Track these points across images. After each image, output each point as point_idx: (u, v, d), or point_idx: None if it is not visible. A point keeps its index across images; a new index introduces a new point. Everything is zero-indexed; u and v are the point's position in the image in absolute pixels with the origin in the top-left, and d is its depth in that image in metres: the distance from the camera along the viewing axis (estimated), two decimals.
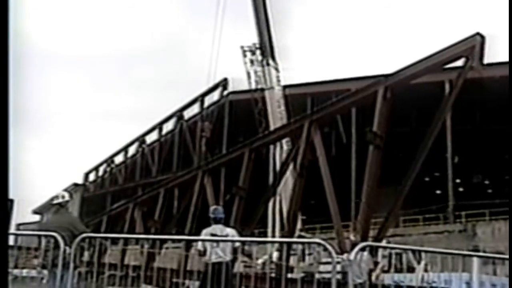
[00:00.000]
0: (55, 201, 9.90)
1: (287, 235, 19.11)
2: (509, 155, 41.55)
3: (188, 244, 21.75)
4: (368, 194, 16.64)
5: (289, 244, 18.38)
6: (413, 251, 17.13)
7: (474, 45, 14.93)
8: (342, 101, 20.10)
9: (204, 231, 10.31)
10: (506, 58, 26.68)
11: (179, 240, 24.04)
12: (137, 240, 20.94)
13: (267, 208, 26.59)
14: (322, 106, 20.67)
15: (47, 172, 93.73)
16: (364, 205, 16.69)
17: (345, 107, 20.80)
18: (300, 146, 19.10)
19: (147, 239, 21.85)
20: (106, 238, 10.38)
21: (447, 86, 32.37)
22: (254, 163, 21.99)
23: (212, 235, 10.05)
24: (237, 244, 10.22)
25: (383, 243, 16.20)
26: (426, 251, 13.53)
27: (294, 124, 21.13)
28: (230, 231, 10.30)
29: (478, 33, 15.04)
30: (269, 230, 28.66)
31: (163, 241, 22.54)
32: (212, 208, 10.79)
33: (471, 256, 12.12)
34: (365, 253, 10.40)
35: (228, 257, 9.86)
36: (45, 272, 11.82)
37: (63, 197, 9.98)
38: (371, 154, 16.63)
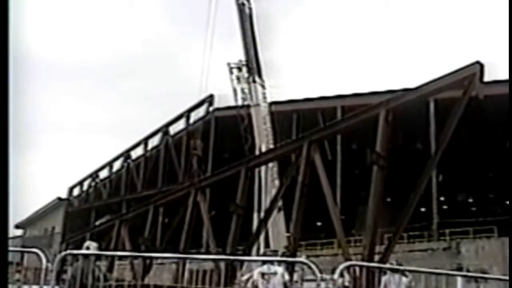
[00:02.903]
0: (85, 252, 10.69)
1: (288, 253, 19.36)
2: (493, 173, 41.91)
3: (179, 263, 21.86)
4: (373, 213, 17.06)
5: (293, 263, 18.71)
6: (397, 270, 17.17)
7: (475, 72, 15.42)
8: (343, 122, 20.64)
9: (256, 270, 11.38)
10: (493, 78, 26.98)
11: (167, 258, 24.05)
12: (120, 257, 20.81)
13: (251, 226, 26.59)
14: (323, 127, 21.23)
15: (30, 186, 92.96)
16: (370, 223, 17.13)
17: (346, 128, 21.23)
18: (300, 166, 19.42)
19: (135, 257, 21.87)
20: (88, 255, 10.28)
21: (431, 105, 32.71)
22: (251, 181, 22.46)
23: (262, 273, 11.03)
24: (286, 278, 10.70)
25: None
26: (410, 270, 13.60)
27: (293, 144, 21.47)
28: (277, 268, 10.81)
29: (477, 62, 15.56)
30: (254, 247, 28.55)
31: (152, 258, 22.52)
32: (262, 251, 11.94)
33: (454, 275, 12.17)
34: None
35: None
36: (26, 287, 11.70)
37: (87, 248, 10.90)
38: (375, 174, 17.14)
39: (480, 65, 15.46)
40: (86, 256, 10.47)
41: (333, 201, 19.53)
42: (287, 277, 10.75)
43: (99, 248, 11.87)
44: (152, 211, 27.39)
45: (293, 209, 19.80)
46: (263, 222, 23.46)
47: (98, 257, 10.52)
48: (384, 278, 13.38)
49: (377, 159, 17.03)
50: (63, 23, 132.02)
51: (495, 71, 20.52)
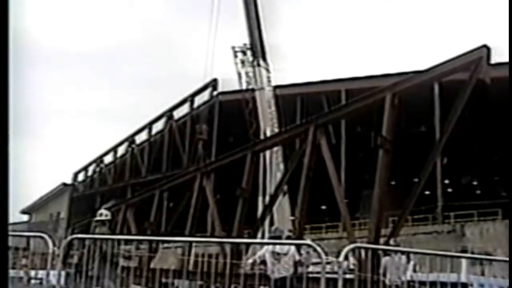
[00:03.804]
0: (98, 218, 10.88)
1: (294, 237, 19.44)
2: (498, 156, 41.80)
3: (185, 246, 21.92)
4: (379, 196, 17.12)
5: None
6: (402, 252, 17.25)
7: (481, 56, 15.33)
8: (350, 106, 20.59)
9: (266, 247, 11.06)
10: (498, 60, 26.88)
11: (174, 241, 24.07)
12: (126, 241, 20.81)
13: (256, 210, 26.65)
14: (329, 111, 21.12)
15: (35, 172, 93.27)
16: (375, 207, 17.21)
17: (351, 112, 21.23)
18: (306, 150, 19.41)
19: (140, 240, 21.99)
20: (95, 239, 10.33)
21: (436, 88, 32.59)
22: (256, 165, 22.47)
23: (273, 252, 10.64)
24: (297, 257, 10.60)
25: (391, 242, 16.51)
26: (415, 252, 13.63)
27: (299, 128, 21.44)
28: (289, 248, 10.68)
29: (484, 45, 15.46)
30: (259, 231, 28.68)
31: (158, 242, 22.68)
32: (273, 227, 11.77)
33: (459, 257, 12.22)
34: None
35: (291, 271, 10.24)
36: (33, 272, 11.79)
37: (106, 215, 11.05)
38: (381, 158, 17.17)
39: (487, 49, 15.38)
40: (104, 222, 10.61)
41: (339, 185, 19.56)
42: (297, 257, 10.67)
43: (110, 222, 11.95)
44: (158, 195, 27.47)
45: (298, 193, 19.83)
46: (268, 207, 23.52)
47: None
48: (383, 260, 13.42)
49: (383, 143, 17.05)
50: (64, 11, 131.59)
51: (502, 54, 20.41)
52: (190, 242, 21.50)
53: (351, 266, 12.28)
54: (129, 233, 26.12)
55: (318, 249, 7.95)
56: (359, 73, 43.73)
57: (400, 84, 17.70)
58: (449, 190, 44.57)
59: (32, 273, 12.04)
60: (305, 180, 19.44)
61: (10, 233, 9.57)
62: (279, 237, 11.59)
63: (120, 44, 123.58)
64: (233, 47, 32.98)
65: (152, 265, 21.04)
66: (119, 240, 11.62)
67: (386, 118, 17.29)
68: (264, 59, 31.98)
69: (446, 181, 40.60)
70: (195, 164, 37.03)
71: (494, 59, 15.86)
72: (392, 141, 17.16)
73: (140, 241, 21.52)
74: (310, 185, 19.45)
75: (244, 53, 32.55)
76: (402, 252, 14.15)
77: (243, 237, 21.95)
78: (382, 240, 17.10)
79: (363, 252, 12.35)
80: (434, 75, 17.41)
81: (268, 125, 30.56)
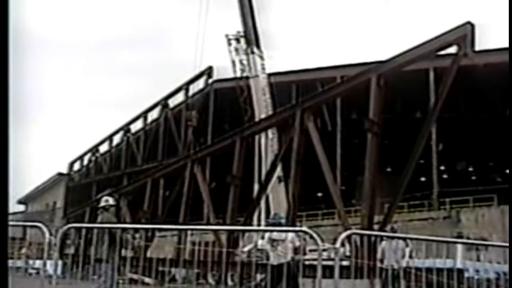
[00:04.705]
0: (101, 204, 10.81)
1: (289, 223, 19.33)
2: (492, 142, 41.91)
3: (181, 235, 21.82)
4: (370, 181, 16.92)
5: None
6: (398, 238, 17.30)
7: (466, 34, 14.99)
8: (335, 89, 20.22)
9: (266, 235, 11.06)
10: (491, 46, 26.88)
11: (168, 230, 24.02)
12: (123, 230, 20.80)
13: (252, 196, 26.65)
14: (315, 94, 20.75)
15: (31, 162, 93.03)
16: (367, 192, 16.99)
17: (337, 95, 20.86)
18: (294, 134, 19.15)
19: (136, 229, 21.97)
20: (91, 228, 10.32)
21: (431, 74, 32.56)
22: (246, 151, 22.22)
23: (271, 239, 10.70)
24: (298, 244, 10.62)
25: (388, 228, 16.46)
26: (411, 238, 13.68)
27: (286, 112, 21.13)
28: (288, 234, 10.70)
29: (468, 22, 15.11)
30: (255, 218, 28.73)
31: (154, 231, 22.62)
32: (272, 213, 11.60)
33: (455, 242, 12.27)
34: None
35: (289, 257, 10.23)
36: (31, 262, 11.80)
37: (107, 201, 10.92)
38: (370, 142, 16.90)
39: (471, 26, 15.03)
40: (106, 208, 10.62)
41: (330, 170, 19.02)
42: (297, 243, 10.66)
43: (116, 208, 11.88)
44: (151, 184, 27.35)
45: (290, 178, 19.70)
46: (262, 189, 23.30)
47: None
48: (381, 245, 13.45)
49: (371, 126, 16.73)
50: (63, 2, 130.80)
51: (489, 34, 20.16)
52: (186, 231, 21.47)
53: (347, 253, 12.33)
54: (124, 222, 26.09)
55: (315, 235, 7.96)
56: (355, 60, 43.69)
57: (385, 65, 17.39)
58: (445, 176, 44.69)
59: (30, 262, 12.06)
60: (295, 165, 19.25)
61: (9, 223, 9.57)
62: (279, 224, 11.54)
63: (119, 34, 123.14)
64: (226, 35, 32.91)
65: (148, 254, 21.08)
66: (116, 229, 11.60)
67: (372, 100, 16.92)
68: (258, 47, 31.87)
69: (442, 167, 40.72)
70: (187, 151, 37.00)
71: (478, 36, 15.47)
72: (381, 123, 16.79)
73: (135, 230, 21.52)
74: (301, 170, 19.22)
75: (238, 40, 32.47)
76: (399, 238, 14.17)
77: (237, 225, 21.83)
78: (376, 226, 17.02)
79: (358, 239, 12.38)
80: (419, 54, 16.80)
81: (263, 112, 30.51)
